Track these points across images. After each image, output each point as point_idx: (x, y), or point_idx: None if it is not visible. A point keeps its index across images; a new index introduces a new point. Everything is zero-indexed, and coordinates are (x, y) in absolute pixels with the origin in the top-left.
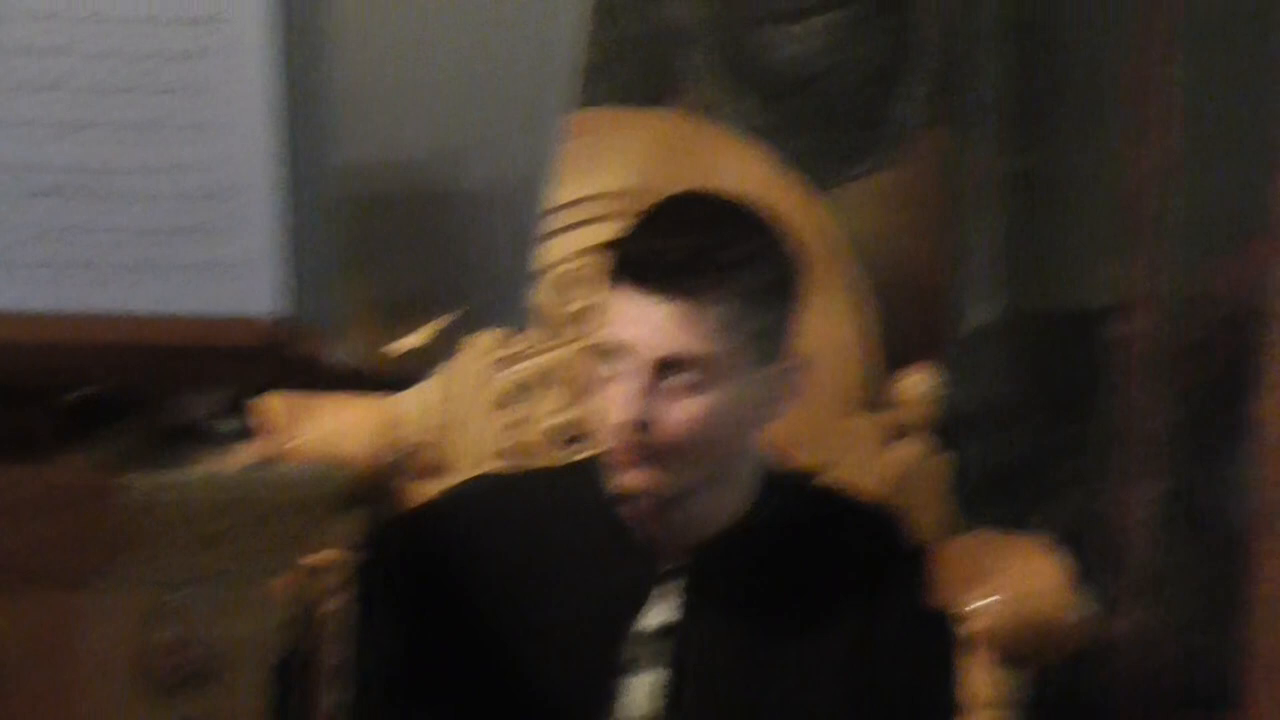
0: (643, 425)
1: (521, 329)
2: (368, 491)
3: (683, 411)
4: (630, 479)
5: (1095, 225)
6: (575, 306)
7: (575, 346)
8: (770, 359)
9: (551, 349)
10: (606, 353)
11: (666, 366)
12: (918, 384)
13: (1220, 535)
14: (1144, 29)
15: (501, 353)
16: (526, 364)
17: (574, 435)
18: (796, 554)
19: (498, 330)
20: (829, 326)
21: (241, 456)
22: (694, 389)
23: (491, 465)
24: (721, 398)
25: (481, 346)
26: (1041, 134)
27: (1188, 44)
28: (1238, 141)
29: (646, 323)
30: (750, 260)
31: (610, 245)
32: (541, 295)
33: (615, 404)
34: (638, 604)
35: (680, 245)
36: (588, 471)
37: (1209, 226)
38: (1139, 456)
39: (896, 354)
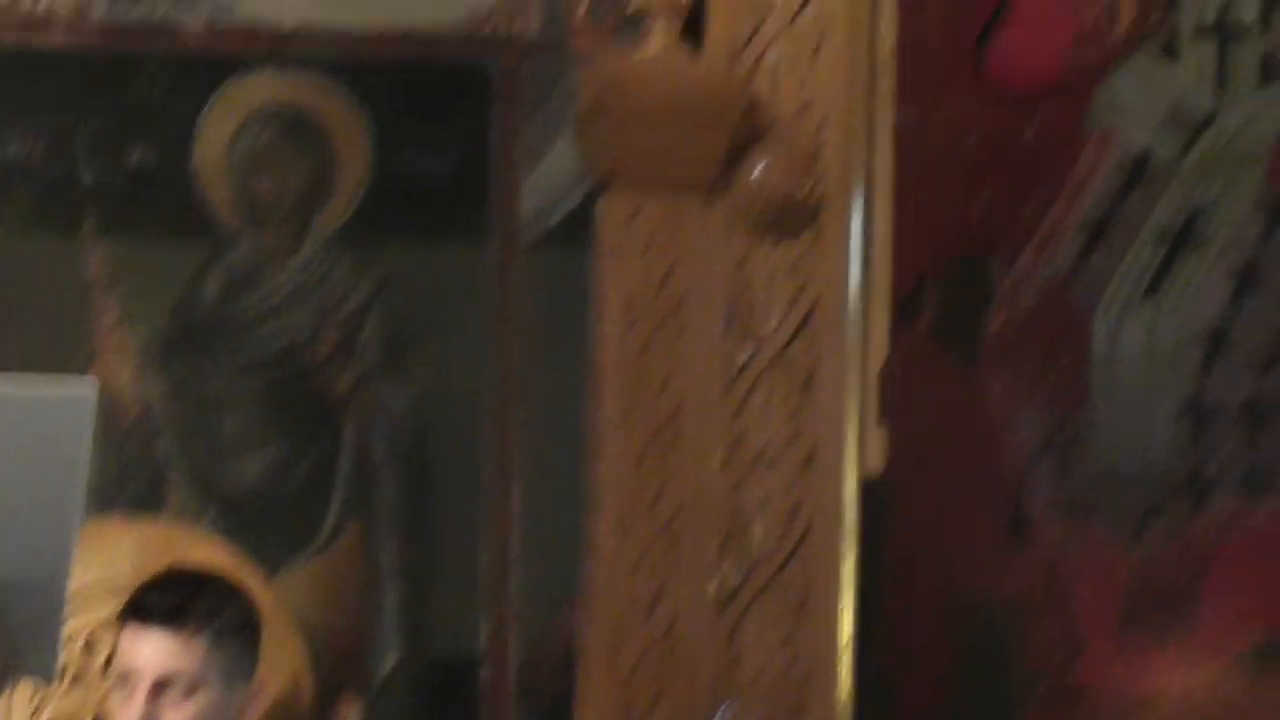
0: None
1: (54, 681)
2: None
3: (176, 715)
4: None
5: (467, 594)
6: (96, 661)
7: (99, 690)
8: (239, 681)
9: (80, 693)
10: (122, 677)
11: (162, 683)
12: (348, 712)
13: None
14: (498, 456)
15: (39, 698)
16: (60, 705)
17: None
18: None
19: (34, 682)
20: (278, 669)
21: None
22: (183, 699)
23: None
24: (203, 706)
25: (23, 694)
26: (425, 530)
27: (529, 464)
28: (564, 535)
29: (147, 652)
30: (220, 610)
31: (121, 608)
32: (70, 654)
33: (129, 713)
34: None
35: (171, 598)
36: None
37: (546, 594)
38: None
39: (336, 688)
